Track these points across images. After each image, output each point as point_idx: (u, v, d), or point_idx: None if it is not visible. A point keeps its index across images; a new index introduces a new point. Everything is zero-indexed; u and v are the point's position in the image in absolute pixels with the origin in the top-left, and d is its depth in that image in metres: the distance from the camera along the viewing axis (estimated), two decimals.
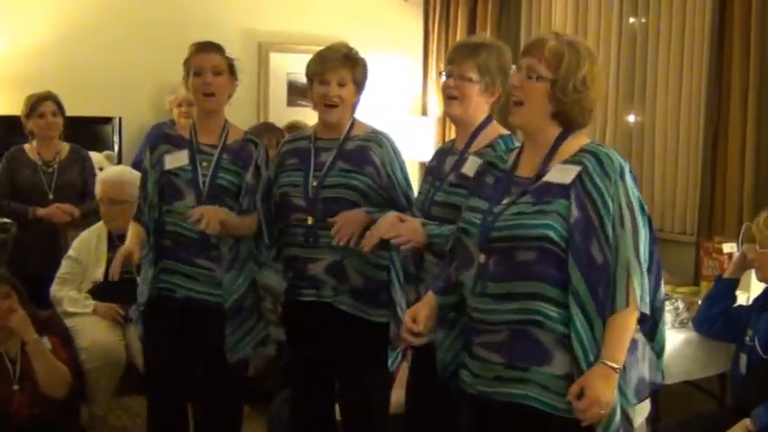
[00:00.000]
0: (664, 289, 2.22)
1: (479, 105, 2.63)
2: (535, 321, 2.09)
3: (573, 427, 2.08)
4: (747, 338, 3.06)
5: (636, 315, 2.07)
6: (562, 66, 2.10)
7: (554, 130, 2.17)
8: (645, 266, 2.07)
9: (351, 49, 3.00)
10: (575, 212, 2.06)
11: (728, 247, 3.61)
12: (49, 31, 5.30)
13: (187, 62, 3.13)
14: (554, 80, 2.11)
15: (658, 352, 2.21)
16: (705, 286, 3.60)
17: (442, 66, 6.13)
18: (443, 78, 2.66)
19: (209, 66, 3.08)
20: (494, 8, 5.66)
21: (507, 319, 2.12)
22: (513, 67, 2.23)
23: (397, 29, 6.20)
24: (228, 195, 3.09)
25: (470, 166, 2.54)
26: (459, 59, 2.61)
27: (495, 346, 2.15)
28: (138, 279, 3.27)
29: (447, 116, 2.73)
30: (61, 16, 5.33)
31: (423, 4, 6.34)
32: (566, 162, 2.12)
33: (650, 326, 2.18)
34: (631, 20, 4.78)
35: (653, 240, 2.13)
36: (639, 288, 2.05)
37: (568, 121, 2.16)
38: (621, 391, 2.08)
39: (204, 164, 3.10)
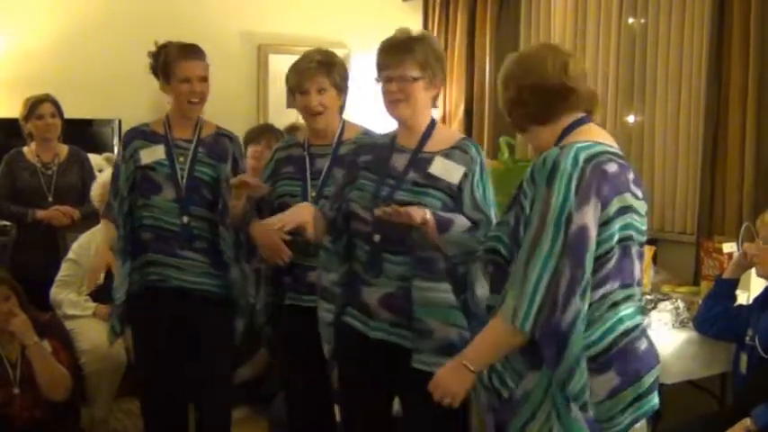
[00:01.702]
0: (572, 318, 1.94)
1: (426, 102, 2.57)
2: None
3: None
4: (748, 338, 3.06)
5: (504, 328, 1.97)
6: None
7: (545, 137, 2.15)
8: (534, 280, 1.93)
9: (325, 54, 3.01)
10: (512, 221, 2.07)
11: (728, 247, 3.61)
12: (48, 33, 5.29)
13: (169, 64, 3.14)
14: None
15: (573, 395, 1.97)
16: (705, 286, 3.60)
17: None
18: (381, 83, 2.54)
19: (195, 75, 3.13)
20: (493, 9, 5.66)
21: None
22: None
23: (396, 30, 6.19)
24: (206, 188, 3.16)
25: (438, 167, 2.50)
26: (397, 60, 2.51)
27: None
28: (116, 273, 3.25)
29: (394, 118, 2.58)
30: (61, 19, 5.33)
31: (422, 5, 6.34)
32: None
33: (553, 354, 1.96)
34: (631, 20, 4.78)
35: (571, 262, 1.93)
36: (513, 300, 1.95)
37: (520, 126, 2.20)
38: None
39: (181, 159, 3.15)
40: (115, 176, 3.23)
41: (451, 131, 2.66)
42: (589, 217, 1.95)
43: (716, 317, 3.21)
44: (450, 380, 2.11)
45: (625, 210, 2.02)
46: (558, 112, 2.12)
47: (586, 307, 1.97)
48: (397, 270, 2.47)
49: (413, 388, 2.43)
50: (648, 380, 2.06)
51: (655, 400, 2.09)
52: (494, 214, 2.49)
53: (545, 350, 1.95)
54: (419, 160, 2.53)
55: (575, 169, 1.96)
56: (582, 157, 1.99)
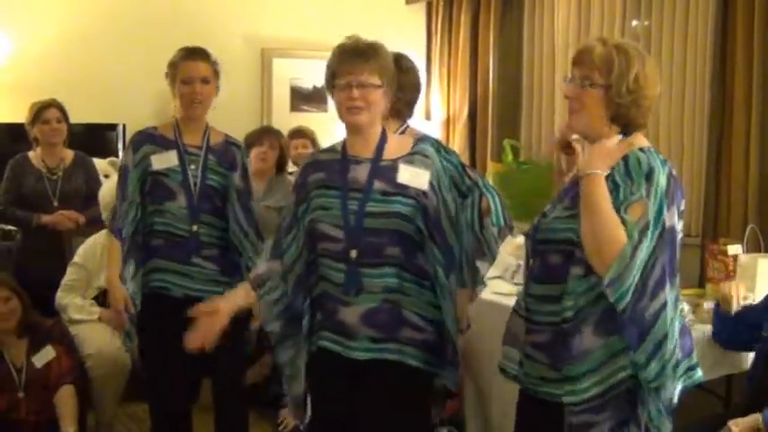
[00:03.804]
0: (660, 307, 2.12)
1: (383, 110, 2.50)
2: None
3: None
4: (764, 332, 3.05)
5: (605, 256, 2.06)
6: (614, 70, 2.14)
7: (610, 135, 2.20)
8: (638, 264, 2.05)
9: None
10: None
11: (734, 249, 3.59)
12: (53, 38, 5.31)
13: (173, 66, 3.15)
14: (607, 85, 2.15)
15: (664, 400, 2.18)
16: (710, 288, 3.59)
17: (444, 70, 6.15)
18: (337, 90, 2.44)
19: (197, 75, 3.13)
20: (496, 12, 5.66)
21: (548, 320, 2.22)
22: (568, 75, 2.25)
23: (400, 32, 6.20)
24: (216, 196, 3.17)
25: (405, 175, 2.45)
26: (358, 67, 2.42)
27: (540, 346, 2.25)
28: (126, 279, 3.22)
29: (352, 127, 2.48)
30: (65, 24, 5.35)
31: (425, 9, 6.35)
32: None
33: (635, 337, 2.11)
34: (634, 23, 4.78)
35: (660, 255, 2.10)
36: (618, 270, 2.04)
37: (627, 124, 2.19)
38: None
39: (192, 166, 3.15)
40: (123, 181, 3.20)
41: (403, 137, 2.60)
42: (674, 218, 2.12)
43: (730, 328, 3.20)
44: (603, 153, 2.13)
45: (681, 213, 2.18)
46: (626, 126, 2.21)
47: (674, 299, 2.14)
48: (378, 283, 2.43)
49: (385, 402, 2.46)
50: (694, 357, 2.29)
51: (699, 373, 2.30)
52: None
53: (629, 332, 2.09)
54: (382, 169, 2.47)
55: (664, 170, 2.12)
56: (662, 160, 2.16)
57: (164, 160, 3.14)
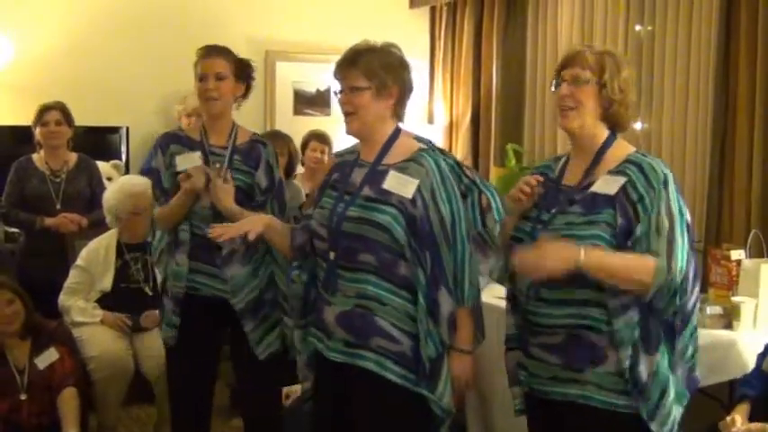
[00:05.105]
0: (696, 299, 2.30)
1: (379, 112, 2.49)
2: (588, 326, 2.23)
3: (632, 421, 2.22)
4: None
5: (652, 276, 2.15)
6: (606, 69, 2.27)
7: (602, 135, 2.31)
8: (680, 275, 2.18)
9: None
10: (619, 220, 2.20)
11: (736, 254, 3.60)
12: (56, 41, 5.32)
13: (195, 66, 3.15)
14: (602, 83, 2.27)
15: (690, 364, 2.32)
16: (713, 293, 3.59)
17: (448, 75, 6.16)
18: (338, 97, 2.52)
19: (211, 72, 3.11)
20: (500, 16, 5.67)
21: (562, 323, 2.26)
22: (554, 82, 2.37)
23: (403, 37, 6.15)
24: (242, 195, 3.12)
25: (392, 181, 2.44)
26: (343, 73, 2.48)
27: (552, 348, 2.29)
28: (159, 276, 3.23)
29: (348, 134, 2.54)
30: (69, 27, 5.36)
31: (429, 13, 6.36)
32: (611, 172, 2.26)
33: (678, 328, 2.27)
34: (638, 27, 4.78)
35: (691, 252, 2.24)
36: (663, 276, 2.15)
37: (616, 123, 2.31)
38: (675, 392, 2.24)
39: (217, 165, 3.11)
40: (159, 183, 3.17)
41: (411, 143, 2.55)
42: (689, 218, 2.27)
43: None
44: (558, 252, 2.14)
45: None
46: (614, 126, 2.34)
47: None
48: (353, 287, 2.43)
49: (368, 410, 2.46)
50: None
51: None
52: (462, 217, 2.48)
53: (676, 324, 2.24)
54: (375, 174, 2.48)
55: (670, 174, 2.26)
56: (665, 164, 2.30)
57: (187, 161, 3.11)
